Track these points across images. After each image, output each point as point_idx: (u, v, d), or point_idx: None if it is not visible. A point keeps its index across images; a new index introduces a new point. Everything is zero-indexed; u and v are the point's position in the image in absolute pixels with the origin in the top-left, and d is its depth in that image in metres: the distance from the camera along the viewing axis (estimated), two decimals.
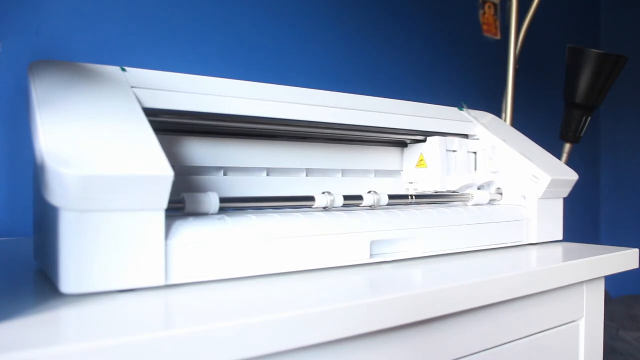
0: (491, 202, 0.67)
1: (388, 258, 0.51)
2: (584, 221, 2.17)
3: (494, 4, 1.64)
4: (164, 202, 0.36)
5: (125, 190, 0.34)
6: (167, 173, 0.36)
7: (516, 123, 1.11)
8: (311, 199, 0.51)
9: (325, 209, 0.52)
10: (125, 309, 0.33)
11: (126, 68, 0.48)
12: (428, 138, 0.67)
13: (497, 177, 0.68)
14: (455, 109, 0.74)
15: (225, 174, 0.55)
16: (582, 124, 1.15)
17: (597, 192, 2.24)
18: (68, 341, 0.26)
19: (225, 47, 1.04)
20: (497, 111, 1.00)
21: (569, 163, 0.93)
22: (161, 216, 0.37)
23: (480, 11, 1.61)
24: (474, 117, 0.73)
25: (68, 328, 0.30)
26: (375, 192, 0.55)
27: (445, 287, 0.42)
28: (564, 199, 0.68)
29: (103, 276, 0.35)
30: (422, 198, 0.62)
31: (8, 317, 0.30)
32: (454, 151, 0.68)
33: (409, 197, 0.60)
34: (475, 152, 0.70)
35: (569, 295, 0.60)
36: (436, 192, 0.67)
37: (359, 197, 0.54)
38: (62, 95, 0.41)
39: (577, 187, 0.69)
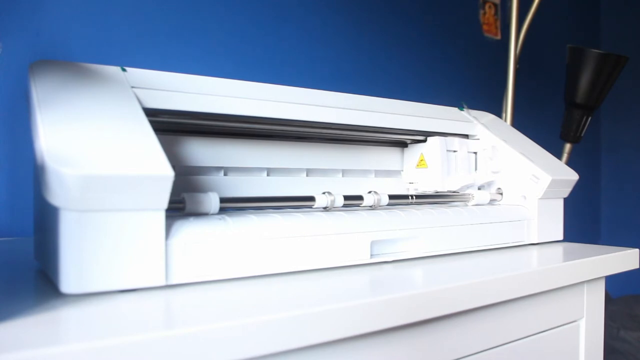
0: (492, 202, 0.67)
1: (388, 258, 0.51)
2: (585, 221, 2.17)
3: (495, 4, 1.64)
4: (164, 202, 0.36)
5: (126, 190, 0.34)
6: (167, 173, 0.36)
7: (516, 123, 1.11)
8: (311, 199, 0.51)
9: (325, 209, 0.52)
10: (126, 309, 0.33)
11: (126, 68, 0.48)
12: (428, 138, 0.67)
13: (497, 177, 0.68)
14: (456, 109, 0.74)
15: (225, 174, 0.55)
16: (582, 124, 1.15)
17: (598, 192, 2.24)
18: (68, 341, 0.26)
19: (226, 47, 1.04)
20: (498, 111, 1.00)
21: (570, 163, 0.93)
22: (161, 216, 0.37)
23: (481, 11, 1.61)
24: (474, 117, 0.73)
25: (68, 328, 0.30)
26: (375, 192, 0.55)
27: (445, 287, 0.42)
28: (565, 199, 0.68)
29: (103, 276, 0.35)
30: (423, 198, 0.62)
31: (8, 317, 0.30)
32: (454, 151, 0.68)
33: (410, 197, 0.60)
34: (475, 152, 0.70)
35: (569, 295, 0.60)
36: (437, 192, 0.67)
37: (360, 197, 0.54)
38: (63, 96, 0.41)
39: (577, 187, 0.69)
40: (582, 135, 1.16)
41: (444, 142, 0.67)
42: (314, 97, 0.58)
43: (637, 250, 0.63)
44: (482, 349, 0.49)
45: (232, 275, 0.41)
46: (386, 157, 0.69)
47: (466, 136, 0.71)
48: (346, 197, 0.53)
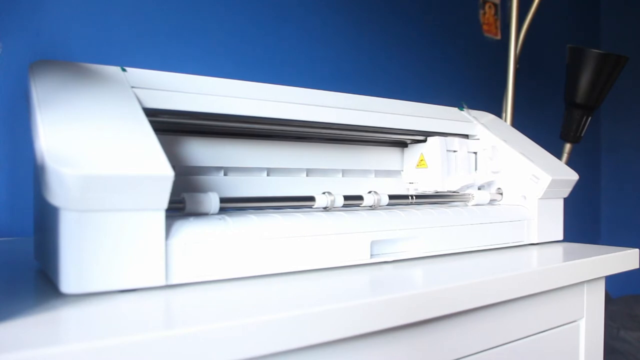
0: (492, 202, 0.67)
1: (388, 258, 0.51)
2: (585, 221, 2.17)
3: (495, 4, 1.64)
4: (164, 202, 0.36)
5: (126, 190, 0.34)
6: (167, 173, 0.36)
7: (516, 123, 1.11)
8: (311, 199, 0.51)
9: (325, 209, 0.52)
10: (126, 309, 0.33)
11: (126, 68, 0.48)
12: (428, 138, 0.67)
13: (497, 177, 0.68)
14: (456, 109, 0.74)
15: (225, 174, 0.55)
16: (582, 124, 1.15)
17: (598, 192, 2.24)
18: (68, 341, 0.26)
19: (226, 47, 1.04)
20: (498, 111, 1.00)
21: (570, 163, 0.93)
22: (161, 216, 0.37)
23: (481, 11, 1.61)
24: (474, 117, 0.73)
25: (68, 328, 0.30)
26: (375, 192, 0.55)
27: (445, 287, 0.42)
28: (565, 199, 0.68)
29: (103, 276, 0.35)
30: (423, 198, 0.61)
31: (8, 317, 0.30)
32: (454, 151, 0.68)
33: (410, 197, 0.60)
34: (475, 152, 0.70)
35: (569, 295, 0.60)
36: (437, 192, 0.67)
37: (360, 197, 0.54)
38: (63, 95, 0.41)
39: (577, 187, 0.69)
40: (582, 135, 1.16)
41: (444, 142, 0.67)
42: (314, 97, 0.58)
43: (637, 250, 0.63)
44: (482, 349, 0.49)
45: (232, 275, 0.41)
46: (386, 157, 0.69)
47: (466, 136, 0.71)
48: (346, 197, 0.53)
